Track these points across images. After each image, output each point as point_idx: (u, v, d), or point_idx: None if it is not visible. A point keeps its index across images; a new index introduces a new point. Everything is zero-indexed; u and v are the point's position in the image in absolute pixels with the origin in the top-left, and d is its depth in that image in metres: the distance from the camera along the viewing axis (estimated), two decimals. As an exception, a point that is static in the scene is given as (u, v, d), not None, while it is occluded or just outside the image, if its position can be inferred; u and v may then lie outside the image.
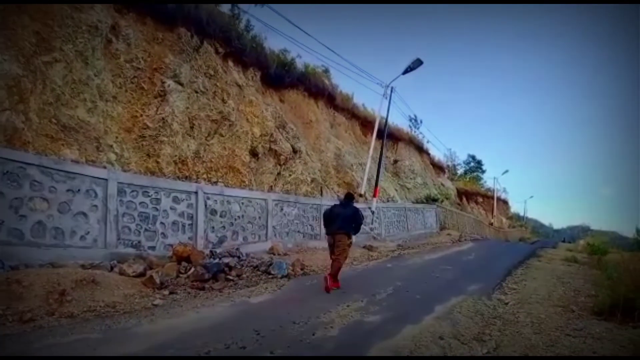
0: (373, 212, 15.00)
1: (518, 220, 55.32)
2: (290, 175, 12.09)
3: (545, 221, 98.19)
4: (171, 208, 7.52)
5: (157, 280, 5.70)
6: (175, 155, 8.40)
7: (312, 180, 12.91)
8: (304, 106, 15.15)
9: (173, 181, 7.96)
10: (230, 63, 11.09)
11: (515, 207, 58.12)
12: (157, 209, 7.23)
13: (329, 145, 15.88)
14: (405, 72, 15.76)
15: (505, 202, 50.79)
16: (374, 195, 15.29)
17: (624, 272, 6.81)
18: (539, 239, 52.91)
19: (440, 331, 4.53)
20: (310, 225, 11.35)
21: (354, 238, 6.91)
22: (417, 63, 15.56)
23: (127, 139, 7.75)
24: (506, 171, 40.86)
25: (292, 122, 13.39)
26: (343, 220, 6.42)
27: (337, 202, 7.71)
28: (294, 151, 12.46)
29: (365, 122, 20.17)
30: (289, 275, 7.19)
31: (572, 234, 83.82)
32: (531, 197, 72.32)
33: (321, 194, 13.29)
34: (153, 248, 7.07)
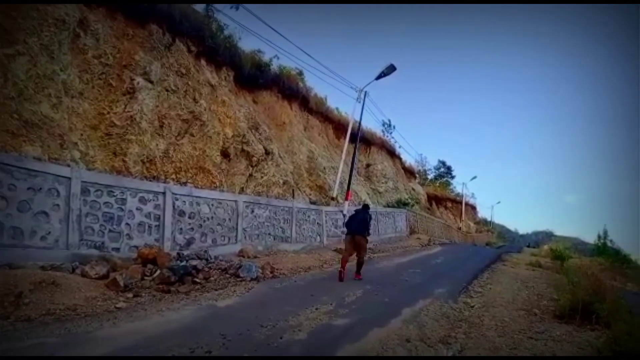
0: (344, 215, 15.16)
1: (485, 225, 57.21)
2: (262, 177, 12.07)
3: (511, 226, 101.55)
4: (137, 209, 7.37)
5: (121, 283, 5.59)
6: (143, 155, 8.24)
7: (284, 183, 12.93)
8: (278, 108, 15.17)
9: (140, 181, 7.81)
10: (203, 62, 10.99)
11: (483, 213, 60.12)
12: (122, 210, 7.07)
13: (302, 147, 15.96)
14: (379, 77, 16.07)
15: (473, 208, 52.43)
16: (346, 199, 15.47)
17: (583, 277, 7.23)
18: (504, 243, 54.93)
19: (407, 334, 4.67)
20: (281, 227, 11.36)
21: (369, 239, 8.61)
22: (391, 69, 15.89)
23: (93, 136, 7.54)
24: (474, 177, 42.61)
25: (265, 123, 13.39)
26: (356, 224, 8.18)
27: (354, 210, 9.10)
28: (267, 153, 12.45)
29: (338, 126, 20.40)
30: (258, 278, 7.19)
31: (536, 239, 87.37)
32: (498, 202, 75.54)
33: (293, 197, 13.33)
34: (117, 250, 6.91)
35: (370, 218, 8.65)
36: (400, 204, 23.88)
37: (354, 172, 17.72)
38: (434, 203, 36.02)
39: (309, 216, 12.82)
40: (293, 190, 13.54)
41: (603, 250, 31.17)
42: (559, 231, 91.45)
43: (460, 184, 44.11)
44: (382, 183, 24.35)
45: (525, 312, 6.42)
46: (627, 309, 5.65)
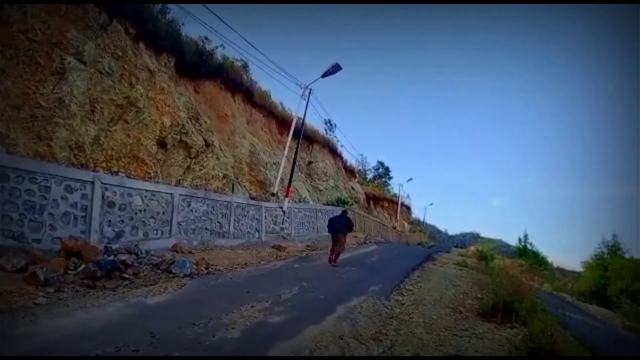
0: (284, 212, 15.39)
1: (418, 225, 60.49)
2: (201, 169, 11.88)
3: (442, 227, 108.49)
4: (63, 198, 6.98)
5: (41, 277, 5.33)
6: (72, 140, 7.78)
7: (224, 176, 12.82)
8: (220, 99, 14.95)
9: (66, 168, 7.38)
10: (142, 46, 10.56)
11: (417, 213, 63.48)
12: (45, 198, 6.66)
13: (244, 141, 15.88)
14: (324, 75, 16.47)
15: (408, 208, 55.16)
16: (287, 195, 15.69)
17: (505, 278, 8.05)
18: (435, 243, 58.48)
19: (340, 331, 4.98)
20: (218, 222, 11.28)
21: (348, 235, 12.14)
22: (336, 68, 16.36)
23: (15, 117, 6.98)
24: (410, 179, 44.43)
25: (206, 114, 13.16)
26: (340, 225, 11.18)
27: (335, 215, 12.22)
28: (207, 145, 12.27)
29: (282, 121, 20.52)
30: (192, 275, 7.14)
31: (464, 240, 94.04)
32: (431, 204, 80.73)
33: (232, 191, 13.26)
34: (38, 241, 6.50)
35: (351, 220, 12.34)
36: (340, 202, 24.56)
37: (296, 168, 17.96)
38: (371, 202, 37.43)
39: (248, 212, 12.85)
40: (233, 184, 13.47)
41: (524, 252, 34.62)
42: (484, 233, 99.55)
43: (397, 185, 46.10)
44: (323, 181, 24.89)
45: (451, 310, 7.02)
46: (542, 307, 6.42)
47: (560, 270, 33.17)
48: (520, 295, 6.65)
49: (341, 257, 11.19)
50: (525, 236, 35.85)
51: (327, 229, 11.70)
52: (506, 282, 7.42)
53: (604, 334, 9.80)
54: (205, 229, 10.78)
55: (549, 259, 32.98)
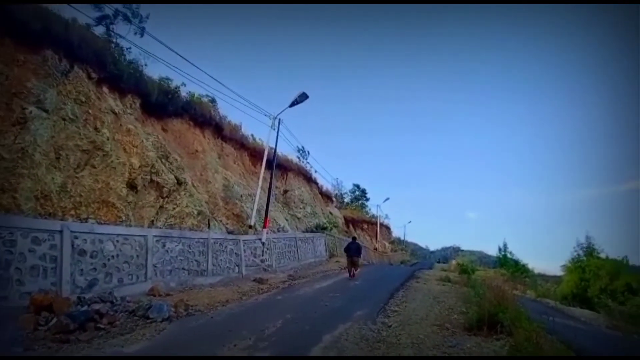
0: (263, 244, 15.28)
1: (399, 244, 60.85)
2: (174, 208, 11.74)
3: (423, 244, 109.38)
4: (30, 250, 6.75)
5: (7, 337, 5.06)
6: (37, 190, 7.61)
7: (199, 213, 12.70)
8: (190, 136, 14.97)
9: (33, 219, 7.19)
10: (105, 89, 10.57)
11: (397, 232, 63.96)
12: (11, 252, 6.44)
13: (217, 176, 15.84)
14: (292, 105, 16.83)
15: (387, 228, 55.54)
16: (264, 226, 15.62)
17: (488, 289, 8.17)
18: (417, 260, 58.85)
19: (328, 362, 4.93)
20: (196, 260, 11.09)
21: (361, 258, 17.22)
22: (303, 97, 16.76)
23: (-26, 172, 6.78)
24: (387, 199, 45.25)
25: (176, 152, 13.13)
26: (354, 250, 15.49)
27: (349, 242, 16.50)
28: (179, 183, 12.19)
29: (254, 153, 20.64)
30: (170, 318, 6.95)
31: (445, 255, 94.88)
32: (409, 222, 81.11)
33: (209, 227, 13.11)
34: (5, 298, 6.22)
35: (360, 245, 16.84)
36: (319, 228, 24.59)
37: (272, 198, 17.96)
38: (351, 225, 37.57)
39: (226, 247, 12.69)
40: (209, 220, 13.33)
41: (504, 261, 35.27)
42: (464, 246, 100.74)
43: (374, 206, 46.58)
44: (300, 208, 24.91)
45: (438, 327, 7.09)
46: (526, 315, 6.55)
47: (542, 276, 33.74)
48: (504, 306, 6.73)
49: (324, 283, 11.20)
50: (505, 245, 36.60)
51: (345, 253, 16.34)
52: (489, 294, 7.52)
53: (589, 335, 10.05)
54: (183, 268, 10.56)
55: (530, 266, 33.69)
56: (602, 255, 25.51)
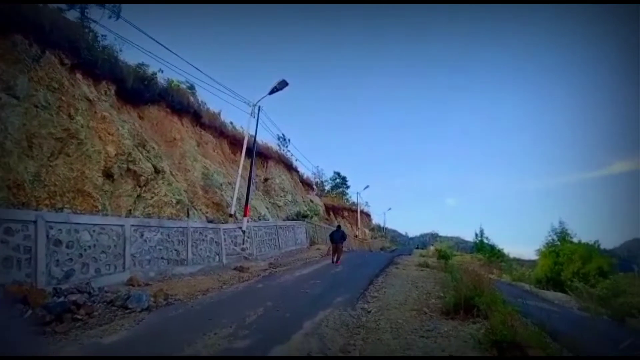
0: (244, 232, 15.29)
1: (379, 231, 61.78)
2: (152, 197, 11.62)
3: (402, 230, 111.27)
4: (2, 241, 6.61)
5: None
6: (9, 180, 7.41)
7: (178, 202, 12.61)
8: (167, 123, 14.75)
9: (5, 210, 7.02)
10: (79, 76, 10.29)
11: (377, 219, 64.80)
12: (-17, 244, 6.28)
13: (196, 164, 15.69)
14: (272, 92, 16.69)
15: (367, 215, 56.22)
16: (245, 215, 15.61)
17: (465, 274, 8.41)
18: (397, 247, 59.93)
19: (308, 347, 5.06)
20: (175, 250, 11.05)
21: (344, 244, 18.09)
22: (283, 84, 16.62)
23: (-59, 161, 6.56)
24: (367, 186, 45.61)
25: (153, 140, 12.94)
26: (338, 237, 16.49)
27: (334, 230, 17.72)
28: (157, 171, 12.04)
29: (234, 141, 20.49)
30: (150, 308, 6.96)
31: (424, 241, 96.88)
32: (389, 209, 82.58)
33: (188, 216, 13.04)
34: (-22, 291, 6.10)
35: (344, 233, 18.10)
36: (300, 216, 24.73)
37: (252, 187, 17.94)
38: (331, 213, 37.87)
39: (206, 235, 12.67)
40: (188, 209, 13.25)
41: (481, 247, 36.14)
42: (442, 232, 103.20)
43: (355, 194, 46.95)
44: (281, 197, 24.96)
45: (416, 312, 7.29)
46: (501, 299, 6.78)
47: (518, 261, 34.59)
48: (480, 290, 6.92)
49: (305, 270, 11.37)
50: (481, 231, 37.43)
51: (329, 240, 17.64)
52: (466, 278, 7.75)
53: (561, 317, 10.50)
54: (162, 258, 10.52)
55: (506, 251, 34.60)
56: (575, 240, 26.30)
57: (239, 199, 16.30)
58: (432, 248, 40.41)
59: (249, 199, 16.30)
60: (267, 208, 21.96)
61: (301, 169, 31.47)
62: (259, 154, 21.27)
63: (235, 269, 12.40)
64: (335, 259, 15.98)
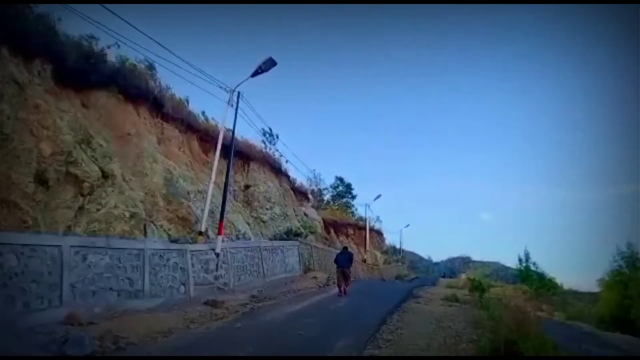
0: (218, 255, 15.21)
1: (394, 254, 61.71)
2: (98, 209, 11.57)
3: (424, 253, 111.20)
4: None
5: None
6: None
7: (132, 216, 12.56)
8: (120, 114, 14.74)
9: None
10: (5, 52, 10.24)
11: (391, 239, 64.81)
12: None
13: (156, 167, 15.65)
14: (255, 73, 16.71)
15: (379, 234, 56.30)
16: (219, 233, 15.52)
17: (504, 311, 8.33)
18: (417, 275, 59.94)
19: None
20: (128, 278, 10.96)
21: (352, 269, 18.59)
22: (270, 64, 16.64)
23: None
24: (379, 196, 44.97)
25: (101, 135, 12.92)
26: (345, 261, 17.14)
27: (338, 252, 18.68)
28: (105, 176, 12.02)
29: (205, 136, 20.52)
30: (94, 354, 6.89)
31: (452, 267, 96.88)
32: (407, 225, 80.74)
33: (145, 234, 12.99)
34: None
35: (352, 255, 18.75)
36: (291, 234, 24.66)
37: (229, 196, 17.88)
38: (332, 230, 37.87)
39: (168, 260, 12.58)
40: (145, 225, 13.19)
41: (526, 275, 35.86)
42: (476, 255, 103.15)
43: (362, 206, 46.68)
44: (267, 209, 24.93)
45: (442, 361, 7.25)
46: (553, 344, 6.70)
47: (574, 293, 34.30)
48: (526, 331, 6.86)
49: (298, 305, 11.31)
50: (526, 255, 37.16)
51: (335, 265, 17.83)
52: (506, 317, 7.67)
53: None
54: (111, 289, 10.42)
55: (558, 281, 34.35)
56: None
57: (211, 212, 16.24)
58: (462, 277, 40.41)
59: (225, 212, 16.24)
60: (249, 224, 21.91)
61: (293, 174, 31.52)
62: (238, 154, 21.26)
63: (206, 303, 12.31)
64: (341, 289, 16.43)
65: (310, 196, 37.22)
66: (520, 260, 37.38)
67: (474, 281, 27.57)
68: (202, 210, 15.93)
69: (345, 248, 19.18)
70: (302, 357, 4.10)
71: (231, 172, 17.99)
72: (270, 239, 22.45)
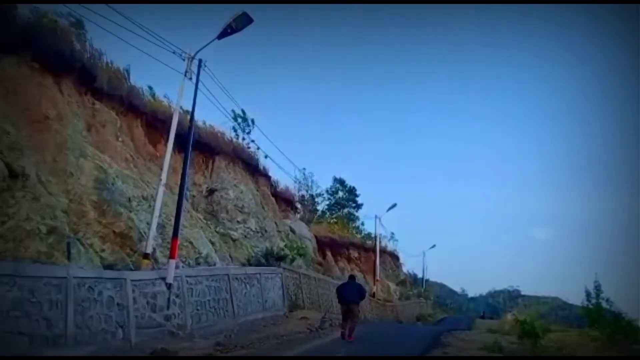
0: (170, 287, 15.14)
1: (414, 285, 61.71)
2: (4, 222, 11.51)
3: (456, 286, 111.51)
4: None
5: None
6: None
7: (51, 231, 12.50)
8: (34, 89, 14.67)
9: None
10: None
11: (410, 265, 64.79)
12: None
13: (85, 163, 15.60)
14: (224, 34, 16.64)
15: (394, 257, 56.28)
16: (172, 256, 15.44)
17: None
18: (446, 315, 60.00)
19: None
20: (45, 318, 10.89)
21: (362, 304, 20.31)
22: (244, 21, 16.49)
23: None
24: (394, 205, 44.58)
25: (8, 119, 12.83)
26: (351, 294, 17.25)
27: (343, 282, 19.63)
28: (13, 175, 11.96)
29: (153, 121, 20.55)
30: None
31: (495, 304, 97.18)
32: (433, 246, 79.31)
33: (69, 257, 12.90)
34: None
35: (362, 288, 19.24)
36: (272, 258, 24.56)
37: (186, 204, 17.80)
38: (329, 253, 37.78)
39: (100, 293, 12.53)
40: (69, 244, 13.12)
41: (596, 315, 35.44)
42: (527, 288, 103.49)
43: (371, 219, 46.08)
44: (238, 222, 24.90)
45: None
46: None
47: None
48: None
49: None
50: (597, 287, 37.02)
51: (337, 300, 18.72)
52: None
53: None
54: (20, 333, 10.38)
55: (642, 323, 34.25)
56: None
57: (161, 226, 16.20)
58: (509, 317, 40.41)
59: (180, 227, 16.17)
60: (213, 243, 21.83)
61: (275, 174, 31.52)
62: (199, 146, 21.24)
63: (153, 354, 12.27)
64: (346, 332, 16.59)
65: (298, 205, 37.23)
66: (588, 294, 37.19)
67: (524, 323, 27.49)
68: (149, 224, 15.87)
69: (352, 277, 19.89)
70: (305, 357, 4.24)
71: (189, 171, 17.93)
72: (244, 265, 22.44)
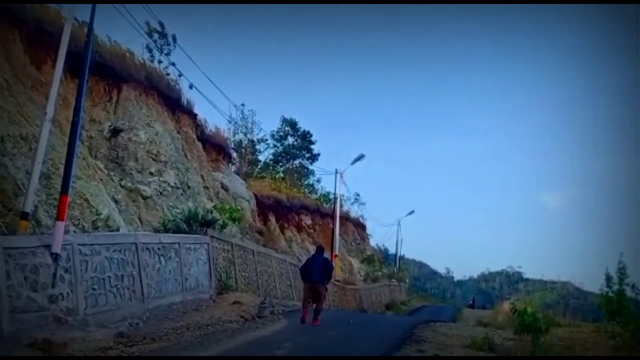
0: (56, 258, 15.02)
1: (384, 264, 62.39)
2: None
3: (440, 266, 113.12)
4: None
5: None
6: None
7: None
8: None
9: None
10: None
11: (380, 238, 65.37)
12: None
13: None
14: None
15: (359, 226, 56.65)
16: (60, 217, 15.31)
17: None
18: (425, 303, 61.16)
19: None
20: None
21: (329, 285, 24.86)
22: None
23: None
24: (361, 156, 44.01)
25: None
26: (319, 272, 18.86)
27: (312, 255, 21.52)
28: None
29: (37, 34, 20.27)
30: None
31: (489, 291, 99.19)
32: (411, 212, 78.89)
33: None
34: None
35: (330, 263, 21.45)
36: (196, 223, 24.49)
37: (80, 148, 17.63)
38: (272, 218, 37.91)
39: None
40: None
41: (618, 306, 35.97)
42: (531, 270, 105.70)
43: (330, 175, 45.72)
44: (152, 175, 24.84)
45: None
46: None
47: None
48: None
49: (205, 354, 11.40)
50: (621, 270, 37.72)
51: (301, 276, 20.23)
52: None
53: None
54: None
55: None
56: None
57: (47, 177, 16.04)
58: (505, 306, 41.35)
59: (72, 179, 16.02)
60: (117, 201, 21.74)
61: (203, 112, 31.29)
62: (101, 69, 20.94)
63: (32, 345, 12.25)
64: (306, 314, 18.57)
65: (233, 154, 37.15)
66: (608, 279, 37.82)
67: (523, 314, 27.95)
68: (29, 173, 15.68)
69: (321, 249, 20.95)
70: (305, 357, 4.42)
71: (85, 104, 17.70)
72: (158, 231, 22.39)
